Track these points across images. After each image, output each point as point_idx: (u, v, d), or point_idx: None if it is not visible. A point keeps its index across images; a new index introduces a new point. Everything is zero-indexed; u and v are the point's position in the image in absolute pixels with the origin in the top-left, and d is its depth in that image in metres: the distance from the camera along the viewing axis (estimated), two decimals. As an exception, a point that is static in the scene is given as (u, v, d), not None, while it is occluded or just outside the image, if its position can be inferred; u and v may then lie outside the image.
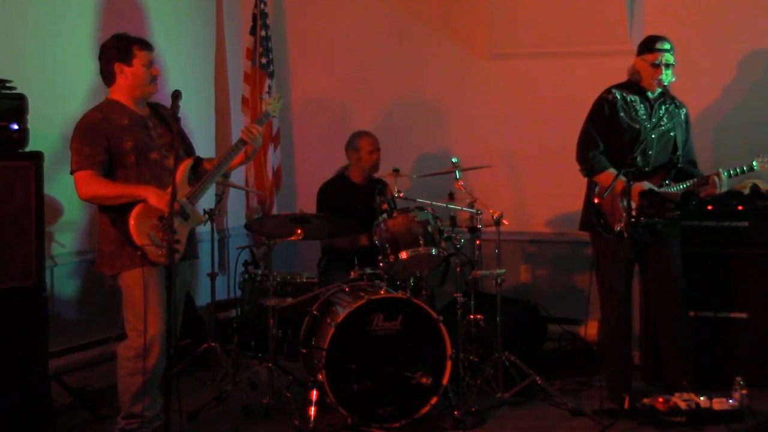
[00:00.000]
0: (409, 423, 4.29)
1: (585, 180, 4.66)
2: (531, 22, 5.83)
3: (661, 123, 4.52)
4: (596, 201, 4.49)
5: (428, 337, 4.35)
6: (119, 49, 3.90)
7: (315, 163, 6.39)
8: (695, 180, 4.42)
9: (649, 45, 4.47)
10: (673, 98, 4.57)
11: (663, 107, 4.53)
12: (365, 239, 5.10)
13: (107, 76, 3.95)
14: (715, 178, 4.33)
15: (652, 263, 4.61)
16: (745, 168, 4.36)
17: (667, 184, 4.46)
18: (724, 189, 4.36)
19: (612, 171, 4.40)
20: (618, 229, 4.38)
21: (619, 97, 4.52)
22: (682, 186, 4.43)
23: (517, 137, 5.97)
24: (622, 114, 4.49)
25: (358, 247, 5.17)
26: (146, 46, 3.95)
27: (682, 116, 4.61)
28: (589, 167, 4.52)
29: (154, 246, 3.75)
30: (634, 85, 4.55)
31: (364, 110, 6.33)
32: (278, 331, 4.58)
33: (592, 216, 4.53)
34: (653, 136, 4.49)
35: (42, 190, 4.05)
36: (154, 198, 3.76)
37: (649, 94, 4.53)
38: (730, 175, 4.35)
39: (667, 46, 4.45)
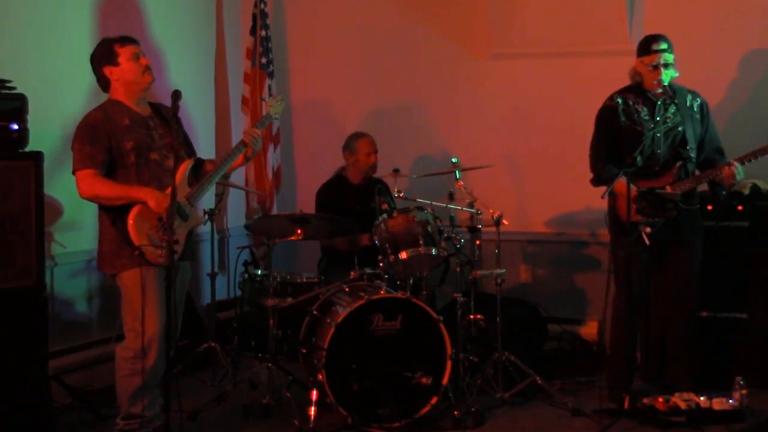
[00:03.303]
0: (409, 423, 4.29)
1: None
2: (530, 22, 5.83)
3: (667, 120, 4.52)
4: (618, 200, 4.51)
5: (428, 337, 4.35)
6: (103, 53, 3.91)
7: (315, 163, 6.39)
8: (705, 172, 4.45)
9: (646, 47, 4.47)
10: (677, 94, 4.54)
11: (669, 105, 4.53)
12: (366, 239, 5.09)
13: (102, 83, 3.96)
14: (728, 168, 4.35)
15: (670, 262, 4.61)
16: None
17: (680, 177, 4.46)
18: (742, 176, 4.37)
19: (622, 177, 4.41)
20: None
21: (620, 101, 4.54)
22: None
23: (517, 137, 5.97)
24: (623, 118, 4.52)
25: (358, 248, 5.16)
26: (127, 40, 3.94)
27: (695, 108, 4.59)
28: (597, 177, 4.59)
29: (152, 246, 3.75)
30: (636, 87, 4.56)
31: (364, 110, 6.33)
32: (278, 331, 4.58)
33: (608, 217, 4.58)
34: (659, 135, 4.50)
35: (42, 190, 4.05)
36: (154, 201, 3.76)
37: (650, 94, 4.53)
38: (743, 162, 4.36)
39: (664, 45, 4.44)
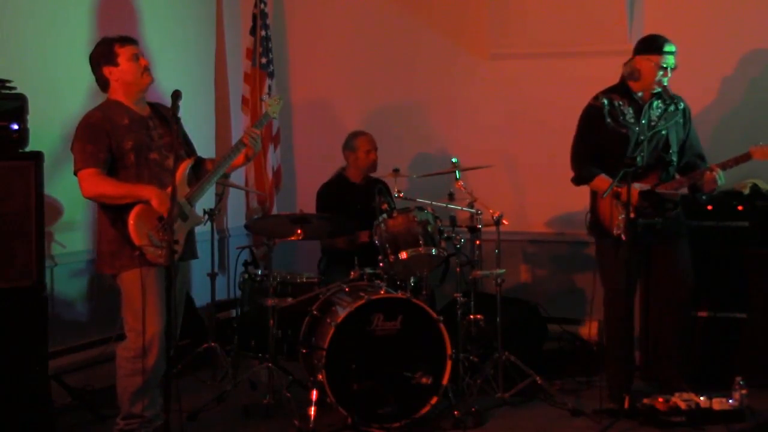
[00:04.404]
0: (409, 423, 4.29)
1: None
2: (530, 22, 5.83)
3: (652, 123, 4.52)
4: (599, 201, 4.51)
5: (428, 337, 4.35)
6: (102, 53, 3.90)
7: (315, 163, 6.38)
8: (688, 175, 4.45)
9: (656, 46, 4.44)
10: (668, 97, 4.55)
11: (655, 108, 4.53)
12: (365, 236, 5.08)
13: (101, 83, 3.95)
14: (709, 173, 4.34)
15: (658, 264, 4.61)
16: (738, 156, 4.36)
17: (662, 180, 4.46)
18: (722, 181, 4.36)
19: (604, 176, 4.44)
20: (615, 232, 4.41)
21: (605, 102, 4.54)
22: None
23: (517, 137, 5.97)
24: (608, 120, 4.51)
25: (358, 246, 5.16)
26: (127, 41, 3.93)
27: (679, 112, 4.60)
28: (578, 177, 4.63)
29: (152, 247, 3.75)
30: (622, 87, 4.56)
31: (363, 110, 6.33)
32: (278, 331, 4.58)
33: (593, 219, 4.58)
34: (642, 138, 4.50)
35: (42, 190, 4.05)
36: (157, 200, 3.76)
37: (635, 96, 4.52)
38: (724, 168, 4.35)
39: (673, 48, 4.46)
